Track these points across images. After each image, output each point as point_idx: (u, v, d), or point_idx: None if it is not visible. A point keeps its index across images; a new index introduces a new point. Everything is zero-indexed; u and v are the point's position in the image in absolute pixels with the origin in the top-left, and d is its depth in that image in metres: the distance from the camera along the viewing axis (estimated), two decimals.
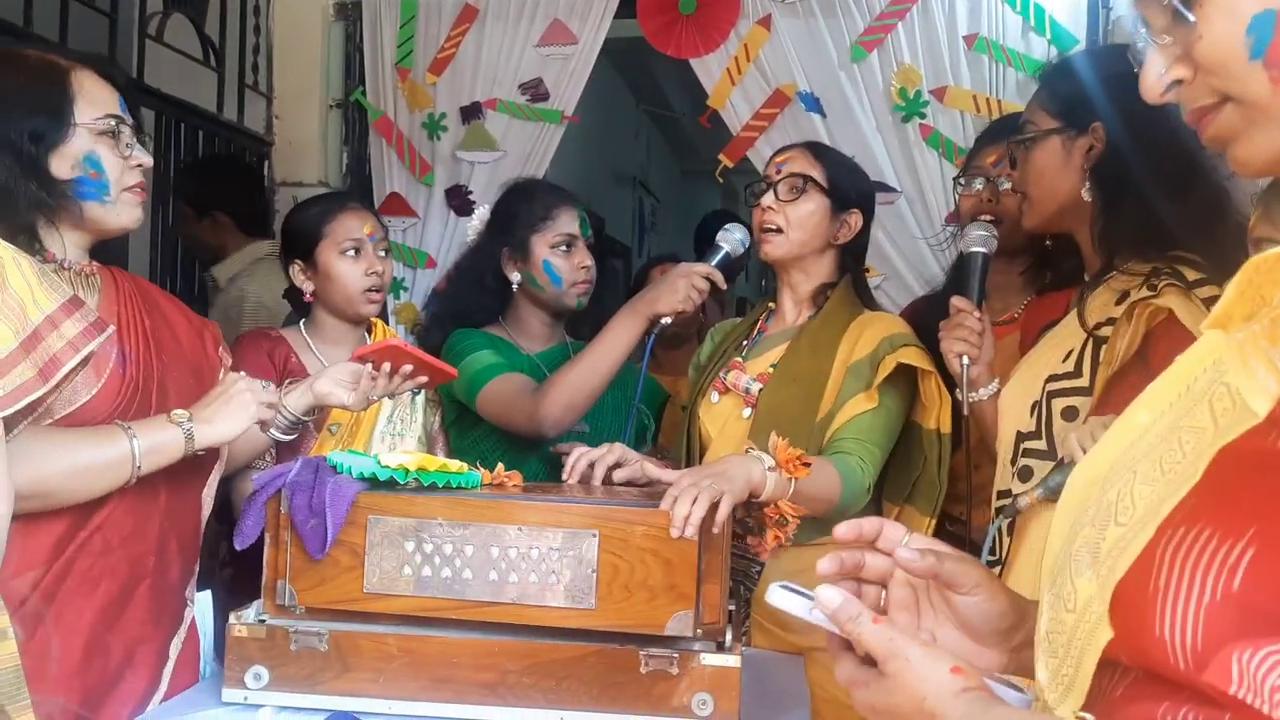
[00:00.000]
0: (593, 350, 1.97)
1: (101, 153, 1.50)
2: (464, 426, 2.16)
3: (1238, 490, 0.59)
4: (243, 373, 1.56)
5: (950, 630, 0.88)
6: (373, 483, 1.52)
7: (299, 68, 3.40)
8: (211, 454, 1.62)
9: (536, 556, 1.47)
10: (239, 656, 1.49)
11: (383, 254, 2.12)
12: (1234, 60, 0.70)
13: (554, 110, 3.31)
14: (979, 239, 1.79)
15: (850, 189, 1.97)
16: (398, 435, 2.07)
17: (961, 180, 2.14)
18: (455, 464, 1.57)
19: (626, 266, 7.21)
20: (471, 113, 3.34)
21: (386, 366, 1.69)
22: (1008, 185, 1.97)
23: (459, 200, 3.35)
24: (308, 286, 2.08)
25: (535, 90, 3.32)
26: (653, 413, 2.25)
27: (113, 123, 1.51)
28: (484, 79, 3.33)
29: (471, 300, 2.22)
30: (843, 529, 0.89)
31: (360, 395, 1.69)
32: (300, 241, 2.11)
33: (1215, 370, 0.64)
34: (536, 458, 2.07)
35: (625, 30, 3.31)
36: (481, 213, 2.30)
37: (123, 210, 1.53)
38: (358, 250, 2.06)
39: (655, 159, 8.41)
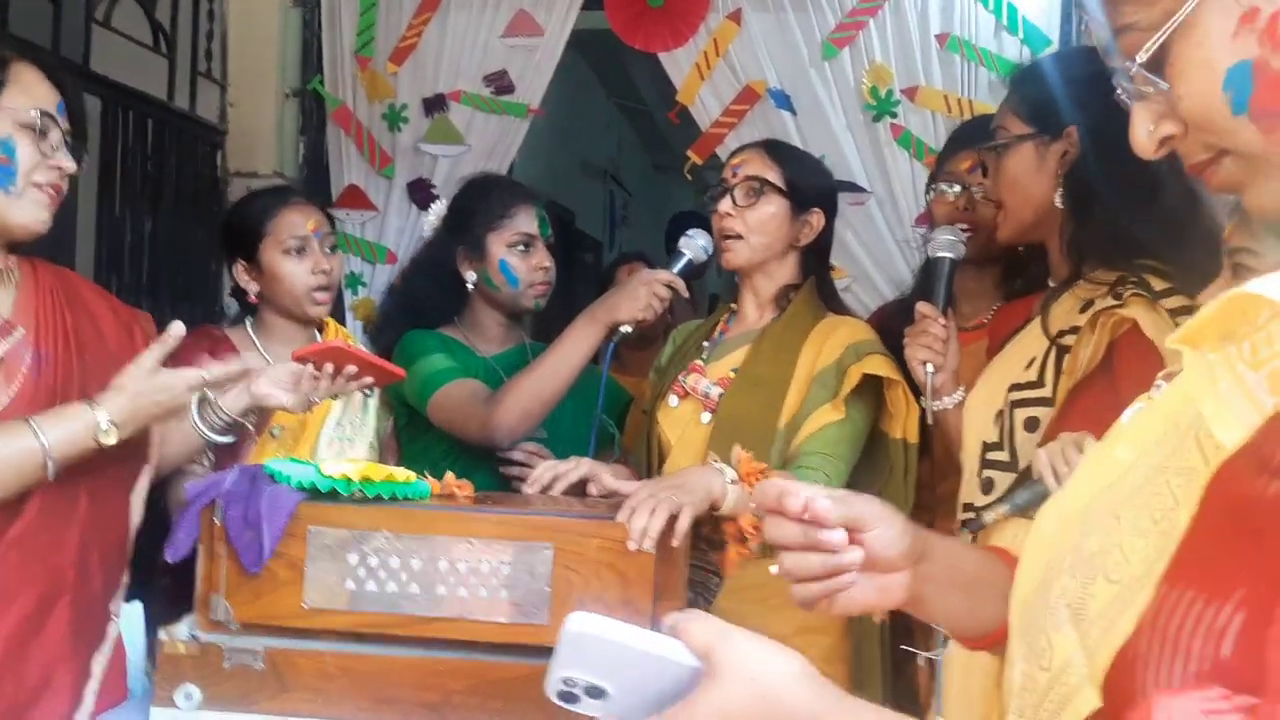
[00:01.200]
0: (550, 357, 1.90)
1: (18, 141, 1.42)
2: (414, 432, 2.09)
3: (1226, 544, 0.53)
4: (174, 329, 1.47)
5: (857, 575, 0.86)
6: (313, 493, 1.45)
7: (254, 55, 3.29)
8: (139, 457, 1.54)
9: (487, 570, 1.41)
10: (169, 674, 1.42)
11: (329, 250, 2.04)
12: (1219, 117, 0.65)
13: (519, 103, 3.23)
14: (946, 244, 1.74)
15: (810, 188, 1.91)
16: (347, 440, 1.99)
17: (933, 184, 2.09)
18: (402, 473, 1.50)
19: (597, 260, 7.14)
20: (435, 104, 3.25)
21: (329, 367, 1.62)
22: (983, 194, 1.93)
23: (422, 193, 3.27)
24: (252, 287, 2.00)
25: (500, 82, 3.24)
26: (616, 416, 2.19)
27: (38, 117, 1.43)
28: (447, 70, 3.25)
29: (426, 299, 2.14)
30: (759, 496, 0.86)
31: (300, 397, 1.61)
32: (242, 240, 2.02)
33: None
34: (489, 467, 2.00)
35: (593, 22, 3.23)
36: (438, 207, 2.22)
37: (26, 206, 1.44)
38: (302, 249, 1.99)
39: (626, 152, 8.33)
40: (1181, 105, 0.67)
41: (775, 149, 1.96)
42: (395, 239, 3.32)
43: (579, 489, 1.66)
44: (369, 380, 1.67)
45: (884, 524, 0.86)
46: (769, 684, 0.66)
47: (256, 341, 2.02)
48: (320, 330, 2.12)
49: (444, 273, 2.12)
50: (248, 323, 2.04)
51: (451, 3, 3.23)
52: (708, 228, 1.97)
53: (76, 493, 1.44)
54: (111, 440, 1.39)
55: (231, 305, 2.98)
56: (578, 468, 1.65)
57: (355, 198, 3.31)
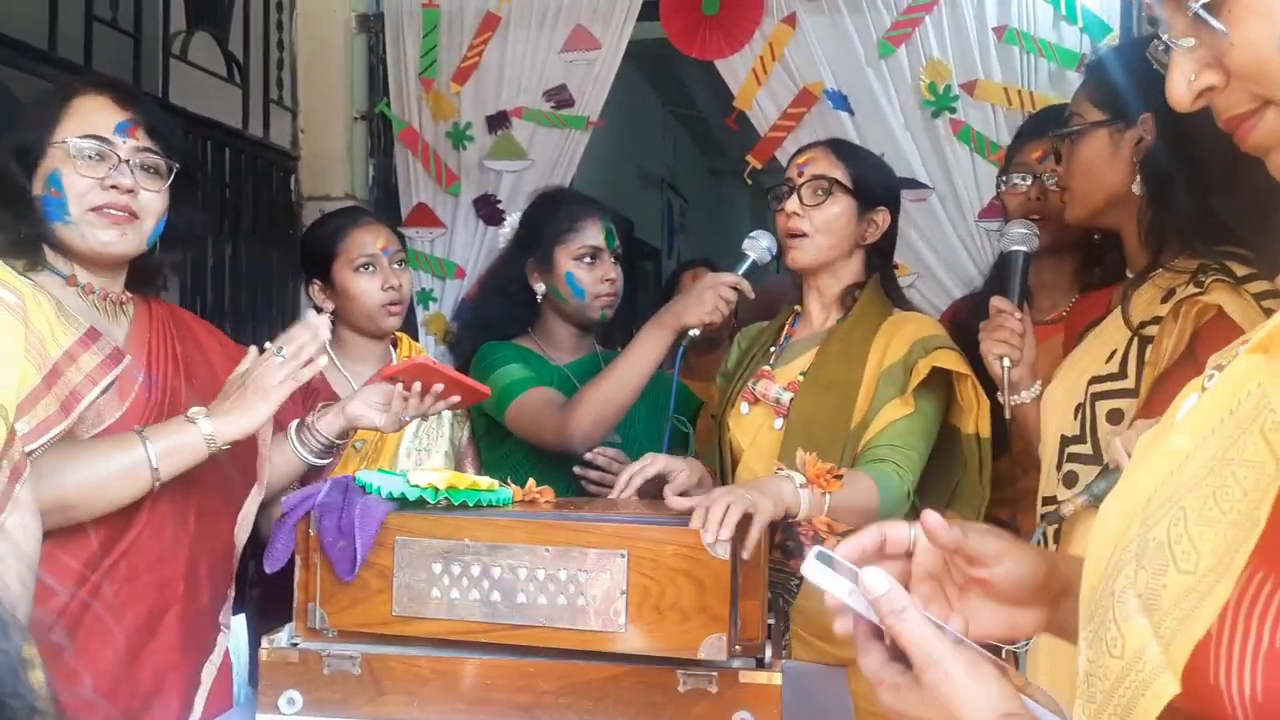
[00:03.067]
0: (621, 363, 1.94)
1: (65, 171, 1.48)
2: (493, 440, 2.14)
3: None
4: (266, 355, 1.51)
5: (983, 605, 0.85)
6: (402, 502, 1.50)
7: (323, 81, 3.39)
8: (248, 477, 1.60)
9: (565, 578, 1.44)
10: (272, 681, 1.47)
11: (398, 266, 2.11)
12: (1273, 65, 0.66)
13: (579, 116, 3.29)
14: (1019, 237, 1.74)
15: (875, 186, 1.92)
16: (424, 450, 2.05)
17: (1004, 176, 2.09)
18: (485, 481, 1.54)
19: (656, 269, 7.17)
20: (497, 121, 3.32)
21: (417, 386, 1.67)
22: (1055, 181, 1.92)
23: (488, 209, 3.34)
24: (327, 306, 2.08)
25: (560, 96, 3.30)
26: (686, 420, 2.22)
27: (90, 144, 1.48)
28: (508, 87, 3.32)
29: (500, 311, 2.20)
30: (844, 549, 0.85)
31: (392, 416, 1.67)
32: (316, 261, 2.10)
33: (1261, 395, 0.59)
34: (567, 473, 2.04)
35: (648, 32, 3.28)
36: (512, 220, 2.28)
37: (86, 231, 1.48)
38: (372, 265, 2.05)
39: (683, 159, 8.36)
40: (1234, 53, 0.67)
41: (841, 148, 1.98)
42: (463, 254, 3.39)
43: (656, 486, 1.69)
44: (456, 399, 1.71)
45: (1012, 560, 0.84)
46: (967, 716, 0.71)
47: (334, 358, 2.09)
48: (394, 345, 2.19)
49: (516, 285, 2.17)
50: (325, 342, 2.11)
51: (510, 22, 3.30)
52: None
53: (186, 510, 1.51)
54: (217, 441, 1.44)
55: None
56: (652, 464, 1.68)
57: (424, 216, 3.38)
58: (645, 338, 1.92)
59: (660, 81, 6.69)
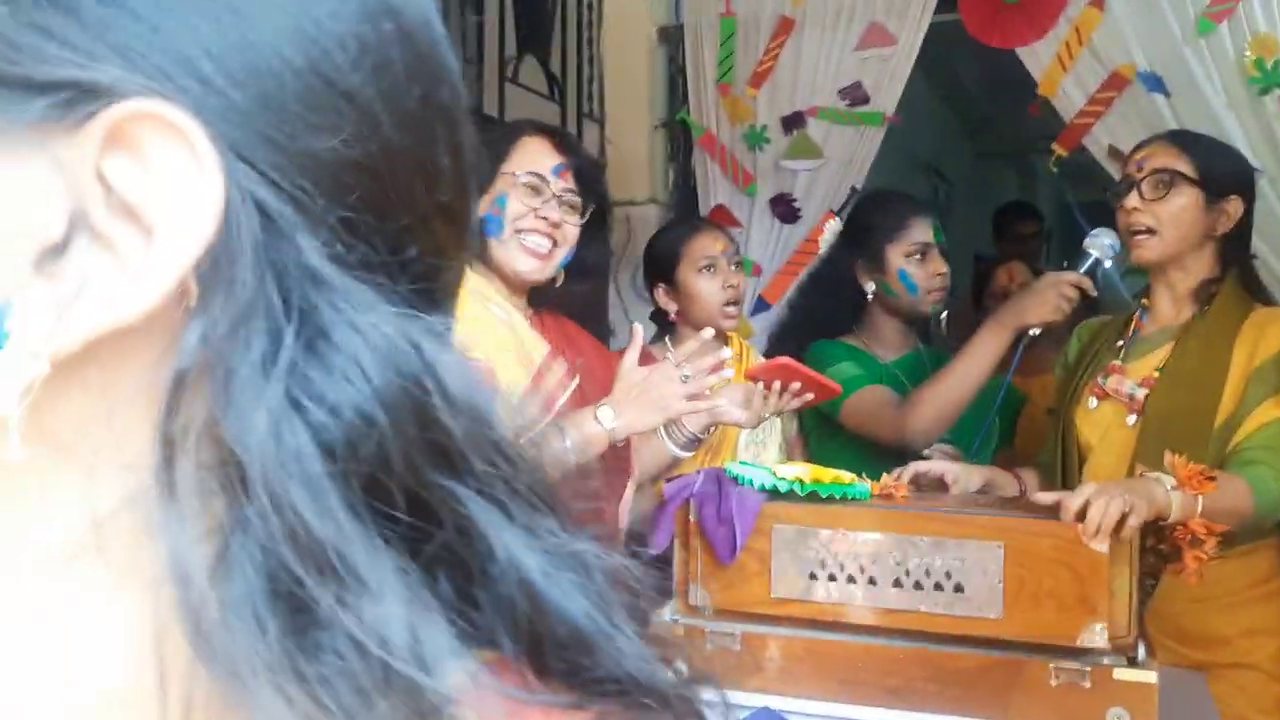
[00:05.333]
0: (960, 362, 1.99)
1: (511, 196, 1.71)
2: (823, 436, 2.24)
3: None
4: (666, 364, 1.67)
5: None
6: (773, 494, 1.63)
7: (626, 92, 3.60)
8: (623, 470, 1.78)
9: (940, 566, 1.52)
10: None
11: (735, 267, 2.24)
12: None
13: (875, 113, 3.32)
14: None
15: (1224, 174, 1.87)
16: (760, 444, 2.18)
17: None
18: (847, 475, 1.65)
19: None
20: (793, 122, 3.41)
21: (776, 385, 1.79)
22: None
23: (783, 208, 3.44)
24: (671, 306, 2.24)
25: (855, 94, 3.35)
26: (1010, 416, 2.24)
27: (534, 179, 1.70)
28: (803, 87, 3.40)
29: (826, 310, 2.29)
30: None
31: (754, 414, 1.80)
32: (661, 264, 2.26)
33: None
34: (897, 468, 2.11)
35: (944, 25, 3.26)
36: (833, 225, 2.37)
37: (511, 250, 1.70)
38: (713, 267, 2.20)
39: (948, 142, 8.15)
40: None
41: (1182, 138, 1.94)
42: (759, 253, 3.50)
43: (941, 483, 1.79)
44: (810, 396, 1.83)
45: None
46: None
47: (671, 355, 2.25)
48: (726, 343, 2.33)
49: (844, 285, 2.26)
50: (666, 340, 2.28)
51: (806, 23, 3.38)
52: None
53: (574, 500, 1.69)
54: (617, 435, 1.61)
55: (619, 324, 3.30)
56: (938, 466, 1.78)
57: (722, 216, 3.52)
58: (985, 336, 1.96)
59: (928, 65, 6.56)
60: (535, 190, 1.72)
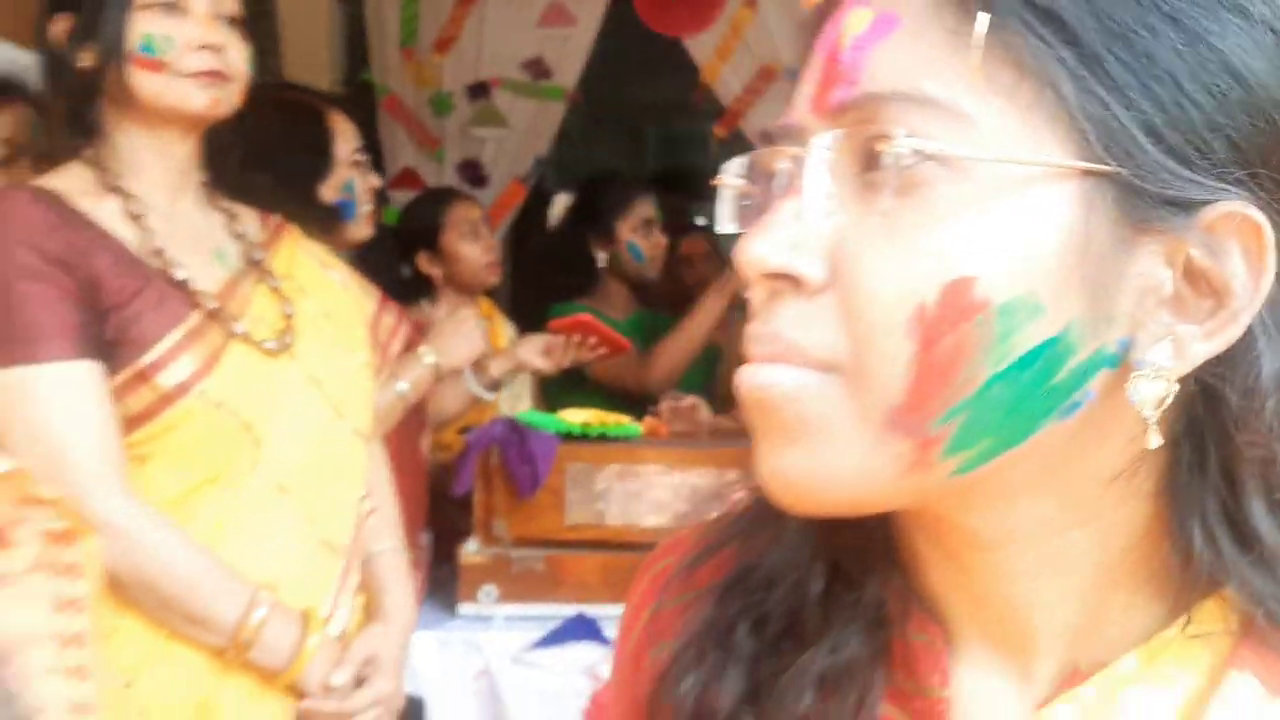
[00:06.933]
0: (687, 324, 2.37)
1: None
2: (568, 386, 2.48)
3: None
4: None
5: None
6: (565, 437, 1.87)
7: (304, 52, 3.54)
8: (421, 413, 1.90)
9: (703, 486, 1.84)
10: (471, 579, 1.82)
11: (487, 230, 2.45)
12: None
13: (557, 87, 3.56)
14: None
15: None
16: (516, 396, 2.38)
17: None
18: (625, 419, 1.94)
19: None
20: (478, 91, 3.56)
21: (575, 337, 2.02)
22: None
23: (471, 173, 3.59)
24: (435, 272, 2.37)
25: (536, 69, 3.56)
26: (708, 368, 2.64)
27: None
28: (487, 58, 3.55)
29: (562, 278, 2.56)
30: None
31: (553, 362, 2.01)
32: (422, 233, 2.39)
33: None
34: (637, 413, 2.41)
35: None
36: (563, 199, 2.62)
37: None
38: (475, 231, 2.36)
39: None
40: None
41: None
42: None
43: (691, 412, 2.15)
44: (604, 351, 2.07)
45: None
46: None
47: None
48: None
49: (577, 255, 2.53)
50: (423, 304, 2.39)
51: None
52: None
53: (387, 439, 1.81)
54: (444, 368, 1.76)
55: None
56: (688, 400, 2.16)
57: (409, 179, 3.60)
58: (705, 304, 2.33)
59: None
60: None
